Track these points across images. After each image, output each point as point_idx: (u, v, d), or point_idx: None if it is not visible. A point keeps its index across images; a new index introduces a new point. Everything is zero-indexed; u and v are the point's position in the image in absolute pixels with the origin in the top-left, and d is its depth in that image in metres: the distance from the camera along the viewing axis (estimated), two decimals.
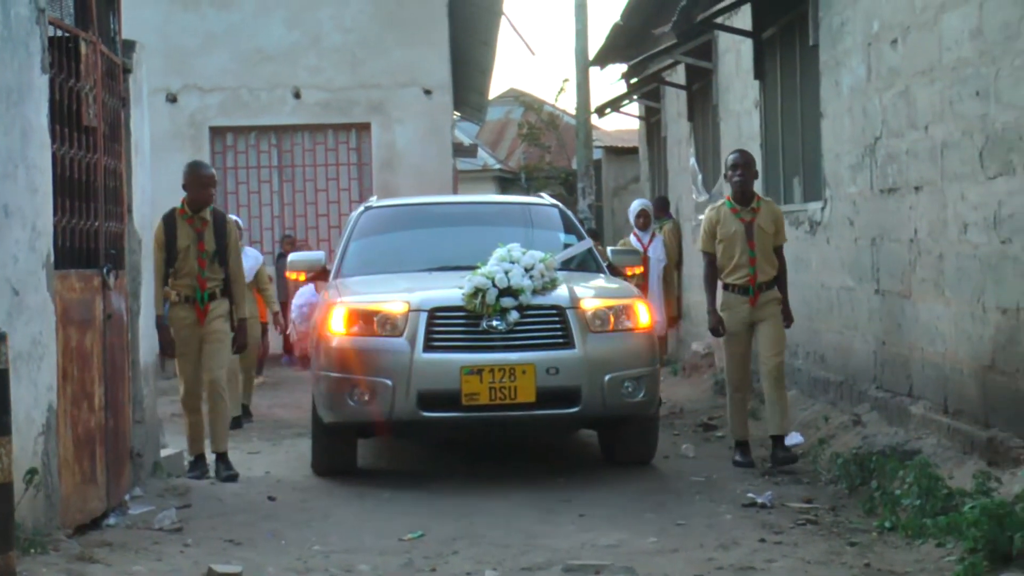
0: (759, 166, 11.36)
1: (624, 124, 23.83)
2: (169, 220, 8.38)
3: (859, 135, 8.79)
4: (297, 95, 18.09)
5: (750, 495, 7.19)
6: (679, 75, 15.41)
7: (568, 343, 7.77)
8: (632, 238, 12.52)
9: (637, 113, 19.78)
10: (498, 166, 32.95)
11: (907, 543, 5.81)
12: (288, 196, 18.33)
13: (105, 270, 6.81)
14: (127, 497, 7.18)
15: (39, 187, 5.92)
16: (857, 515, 6.63)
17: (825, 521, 6.56)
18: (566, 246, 9.09)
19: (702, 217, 14.17)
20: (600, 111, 19.38)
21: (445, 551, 6.00)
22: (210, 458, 8.45)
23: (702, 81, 14.49)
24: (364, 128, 18.29)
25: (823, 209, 9.71)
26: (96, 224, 6.77)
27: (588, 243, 9.30)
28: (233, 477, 8.18)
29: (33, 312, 5.76)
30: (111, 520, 6.65)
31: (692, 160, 15.14)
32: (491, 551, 5.97)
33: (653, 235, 12.65)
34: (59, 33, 6.40)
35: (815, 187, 10.07)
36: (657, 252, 12.30)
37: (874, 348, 8.66)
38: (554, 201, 10.12)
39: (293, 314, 14.36)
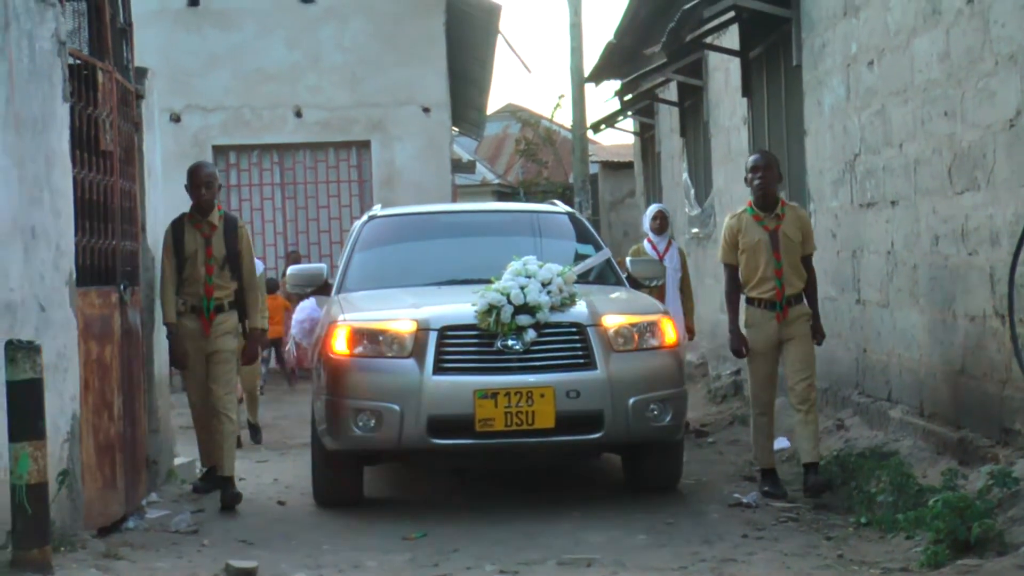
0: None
1: (620, 139, 24.25)
2: (177, 225, 8.05)
3: (840, 152, 9.18)
4: (298, 114, 18.46)
5: (736, 496, 7.55)
6: (671, 92, 15.82)
7: (589, 364, 7.22)
8: (646, 244, 11.19)
9: (632, 129, 20.19)
10: (496, 181, 33.40)
11: (880, 536, 6.20)
12: (291, 213, 18.71)
13: (122, 287, 7.18)
14: (144, 502, 7.55)
15: (62, 210, 6.30)
16: (836, 513, 7.00)
17: (806, 519, 6.94)
18: (580, 257, 8.54)
19: (696, 230, 14.67)
20: (596, 127, 19.81)
21: (447, 548, 6.37)
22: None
23: (693, 98, 14.89)
24: (364, 146, 18.66)
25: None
26: (113, 243, 7.15)
27: (607, 253, 8.71)
28: (236, 497, 7.81)
29: (58, 327, 6.13)
30: (130, 523, 7.01)
31: (685, 175, 15.54)
32: (490, 549, 6.33)
33: (670, 242, 11.25)
34: (75, 61, 6.80)
35: (800, 201, 10.42)
36: (673, 261, 10.96)
37: (856, 355, 9.04)
38: (568, 208, 9.51)
39: (293, 329, 14.59)
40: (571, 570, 5.78)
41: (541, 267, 7.51)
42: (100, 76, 7.10)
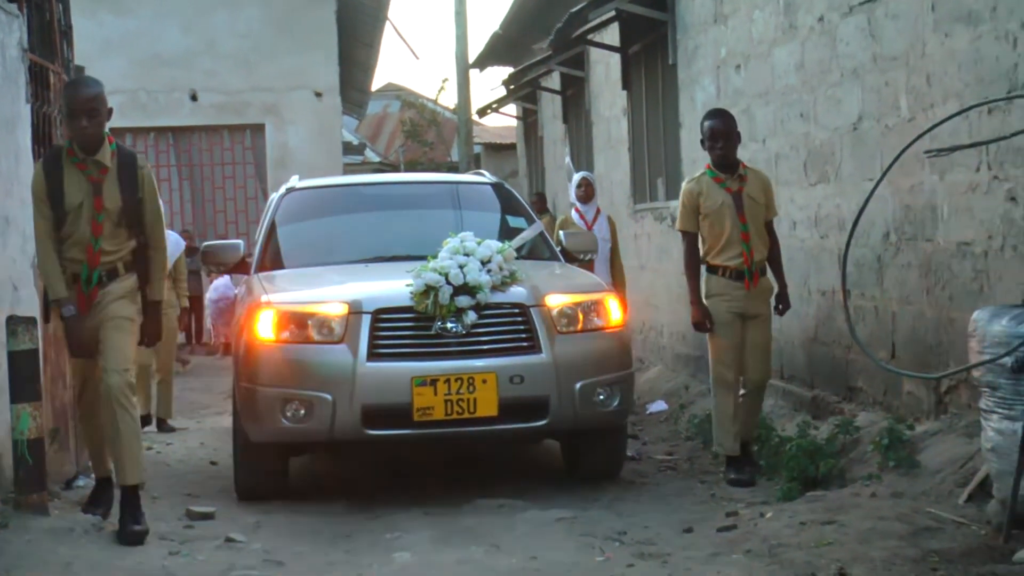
0: (626, 170, 12.85)
1: (503, 121, 25.21)
2: (52, 163, 6.02)
3: None
4: (194, 97, 19.16)
5: None
6: (554, 81, 16.82)
7: (533, 347, 6.82)
8: (574, 214, 10.65)
9: (515, 113, 21.16)
10: (378, 159, 34.10)
11: None
12: (187, 194, 19.38)
13: None
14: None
15: (27, 200, 7.04)
16: (709, 463, 8.05)
17: (682, 468, 8.00)
18: (511, 231, 8.04)
19: (561, 217, 15.66)
20: (481, 112, 20.76)
21: (377, 494, 7.26)
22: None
23: (575, 87, 15.91)
24: (259, 129, 19.44)
25: None
26: None
27: (539, 226, 8.28)
28: (140, 535, 5.85)
29: (25, 304, 6.88)
30: (80, 482, 7.70)
31: (567, 159, 16.53)
32: (418, 496, 7.16)
33: (598, 211, 10.66)
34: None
35: (676, 187, 11.45)
36: (603, 231, 10.37)
37: None
38: (496, 178, 9.06)
39: (208, 309, 15.15)
40: (487, 510, 6.68)
41: (480, 244, 7.12)
42: (51, 77, 7.85)
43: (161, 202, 6.36)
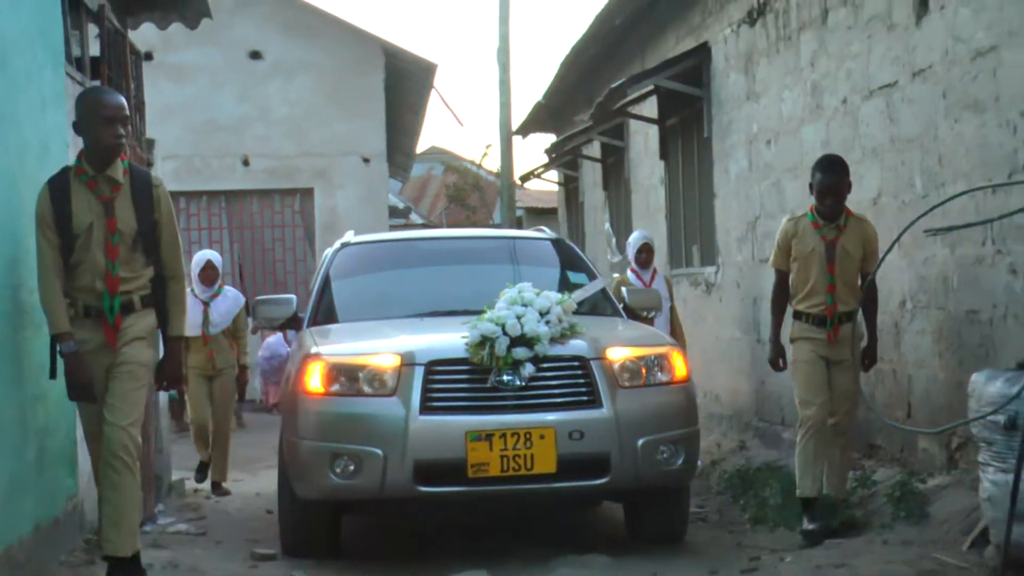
0: (663, 236, 13.41)
1: (544, 186, 25.87)
2: (58, 185, 5.44)
3: (743, 214, 10.80)
4: (246, 162, 19.93)
5: None
6: (595, 149, 17.44)
7: (594, 401, 6.58)
8: (631, 275, 10.56)
9: (557, 179, 21.79)
10: (421, 221, 34.81)
11: (770, 529, 7.75)
12: (238, 255, 20.09)
13: None
14: (155, 511, 8.88)
15: None
16: (737, 514, 8.53)
17: (712, 519, 8.47)
18: (572, 286, 7.83)
19: (616, 275, 16.22)
20: (524, 179, 21.39)
21: (429, 541, 7.77)
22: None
23: (615, 156, 16.53)
24: (308, 193, 20.19)
25: (716, 273, 11.71)
26: None
27: (602, 282, 8.22)
28: None
29: None
30: (147, 528, 8.27)
31: (607, 225, 17.12)
32: (467, 542, 7.64)
33: (655, 272, 10.70)
34: None
35: (710, 254, 12.06)
36: (661, 290, 10.25)
37: (756, 387, 10.63)
38: (556, 234, 8.92)
39: (257, 368, 15.57)
40: (530, 557, 7.08)
41: (538, 295, 6.95)
42: (128, 152, 8.48)
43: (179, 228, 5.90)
